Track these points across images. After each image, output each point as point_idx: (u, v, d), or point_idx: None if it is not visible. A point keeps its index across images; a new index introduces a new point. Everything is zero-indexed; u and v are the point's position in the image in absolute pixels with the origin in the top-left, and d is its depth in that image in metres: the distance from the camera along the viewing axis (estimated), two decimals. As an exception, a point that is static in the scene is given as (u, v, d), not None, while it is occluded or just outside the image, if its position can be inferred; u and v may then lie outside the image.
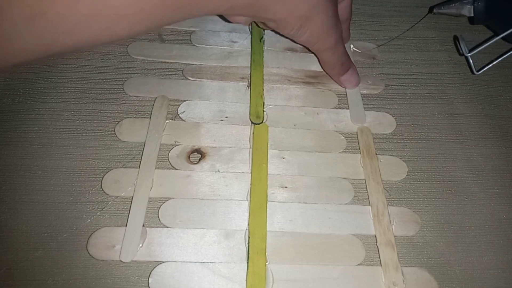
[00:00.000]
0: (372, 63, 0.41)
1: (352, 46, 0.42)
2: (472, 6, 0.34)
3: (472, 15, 0.34)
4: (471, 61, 0.34)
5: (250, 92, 0.38)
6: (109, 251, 0.29)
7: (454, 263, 0.31)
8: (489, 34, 0.41)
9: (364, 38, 0.43)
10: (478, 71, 0.36)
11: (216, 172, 0.33)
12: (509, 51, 0.36)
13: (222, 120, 0.36)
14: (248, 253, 0.30)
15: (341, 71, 0.37)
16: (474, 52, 0.32)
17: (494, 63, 0.36)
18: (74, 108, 0.36)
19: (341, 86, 0.39)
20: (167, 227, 0.31)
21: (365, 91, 0.39)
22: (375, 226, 0.32)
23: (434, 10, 0.37)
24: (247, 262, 0.30)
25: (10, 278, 0.28)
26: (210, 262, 0.30)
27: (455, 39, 0.34)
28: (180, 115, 0.36)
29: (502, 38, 0.34)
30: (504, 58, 0.36)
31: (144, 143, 0.34)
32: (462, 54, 0.33)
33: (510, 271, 0.31)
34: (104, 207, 0.31)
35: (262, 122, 0.36)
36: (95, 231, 0.30)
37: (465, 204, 0.34)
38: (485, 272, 0.31)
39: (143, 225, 0.30)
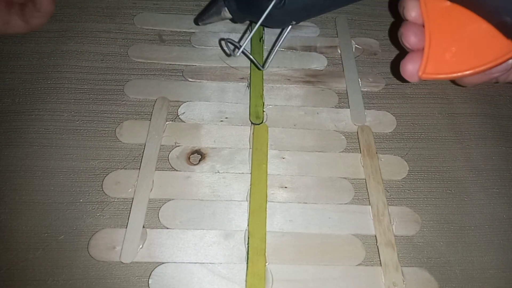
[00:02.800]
0: (373, 62, 0.41)
1: (353, 42, 0.42)
2: (223, 9, 0.33)
3: (231, 16, 0.33)
4: (250, 56, 0.32)
5: (250, 92, 0.38)
6: (109, 252, 0.29)
7: (454, 263, 0.31)
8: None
9: (364, 38, 0.43)
10: (262, 66, 0.34)
11: (216, 173, 0.33)
12: (278, 38, 0.33)
13: (222, 121, 0.36)
14: (247, 253, 0.30)
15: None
16: (238, 53, 0.31)
17: (273, 54, 0.33)
18: (74, 109, 0.36)
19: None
20: (167, 228, 0.31)
21: (366, 89, 0.39)
22: (375, 226, 0.32)
23: (199, 23, 0.35)
24: (247, 263, 0.30)
25: (10, 278, 0.28)
26: (210, 263, 0.30)
27: (219, 43, 0.33)
28: (180, 116, 0.36)
29: (262, 25, 0.32)
30: (280, 44, 0.33)
31: (144, 144, 0.34)
32: (230, 55, 0.32)
33: (510, 271, 0.31)
34: (104, 208, 0.31)
35: (262, 122, 0.36)
36: (95, 233, 0.30)
37: (465, 204, 0.34)
38: (485, 272, 0.31)
39: (143, 226, 0.30)
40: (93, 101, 0.36)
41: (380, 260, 0.31)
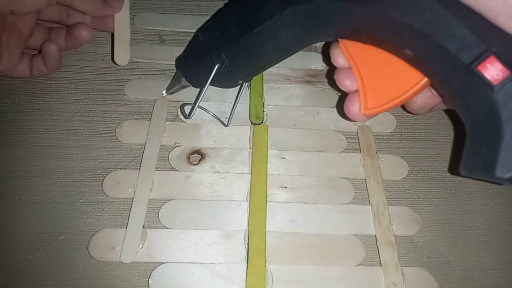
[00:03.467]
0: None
1: None
2: (181, 78, 0.35)
3: (189, 84, 0.35)
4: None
5: (250, 92, 0.38)
6: (109, 252, 0.29)
7: (454, 263, 0.31)
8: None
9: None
10: (227, 124, 0.36)
11: (216, 173, 0.33)
12: (236, 97, 0.36)
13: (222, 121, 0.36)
14: (247, 253, 0.30)
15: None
16: (193, 114, 0.33)
17: (233, 111, 0.35)
18: (74, 109, 0.36)
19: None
20: (167, 228, 0.31)
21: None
22: (375, 226, 0.32)
23: (167, 93, 0.37)
24: (247, 263, 0.30)
25: (10, 278, 0.29)
26: (210, 263, 0.30)
27: (180, 109, 0.35)
28: (180, 116, 0.36)
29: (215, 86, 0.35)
30: (238, 101, 0.36)
31: (145, 144, 0.34)
32: (187, 118, 0.34)
33: (510, 271, 0.31)
34: (104, 208, 0.31)
35: (262, 122, 0.36)
36: (95, 233, 0.30)
37: (465, 204, 0.34)
38: (485, 272, 0.31)
39: (143, 226, 0.30)
40: (93, 101, 0.36)
41: (380, 260, 0.31)
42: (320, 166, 0.34)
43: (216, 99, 0.37)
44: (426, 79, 0.25)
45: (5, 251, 0.29)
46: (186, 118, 0.34)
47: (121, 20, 0.37)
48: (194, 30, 0.41)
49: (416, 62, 0.25)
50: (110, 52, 0.39)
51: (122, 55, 0.36)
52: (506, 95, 0.21)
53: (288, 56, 0.31)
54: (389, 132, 0.37)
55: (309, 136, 0.36)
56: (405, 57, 0.25)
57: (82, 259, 0.29)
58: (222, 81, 0.34)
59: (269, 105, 0.37)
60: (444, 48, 0.22)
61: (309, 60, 0.40)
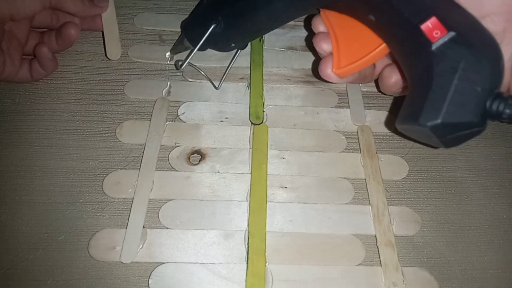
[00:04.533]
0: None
1: None
2: (184, 39, 0.37)
3: (191, 46, 0.37)
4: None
5: (250, 92, 0.38)
6: (109, 252, 0.29)
7: (454, 263, 0.31)
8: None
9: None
10: (218, 87, 0.38)
11: (216, 173, 0.33)
12: (233, 59, 0.39)
13: (222, 121, 0.36)
14: (247, 253, 0.30)
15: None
16: (183, 67, 0.36)
17: (225, 75, 0.38)
18: (74, 109, 0.36)
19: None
20: (167, 228, 0.31)
21: (366, 89, 0.39)
22: (375, 226, 0.32)
23: (172, 54, 0.39)
24: (247, 263, 0.30)
25: (10, 278, 0.29)
26: (210, 263, 0.30)
27: (175, 64, 0.38)
28: (180, 116, 0.36)
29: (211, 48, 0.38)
30: (231, 66, 0.38)
31: (145, 144, 0.34)
32: (178, 69, 0.37)
33: (510, 271, 0.31)
34: (104, 208, 0.31)
35: (262, 122, 0.36)
36: (96, 233, 0.30)
37: (465, 204, 0.34)
38: (485, 272, 0.31)
39: (143, 226, 0.30)
40: (93, 101, 0.36)
41: (380, 260, 0.31)
42: (320, 166, 0.34)
43: (216, 99, 0.37)
44: (379, 47, 0.29)
45: (5, 251, 0.29)
46: (177, 69, 0.37)
47: (109, 18, 0.38)
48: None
49: (377, 26, 0.28)
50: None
51: (114, 50, 0.38)
52: (441, 52, 0.23)
53: (277, 26, 0.35)
54: (389, 132, 0.37)
55: (309, 136, 0.36)
56: (369, 23, 0.28)
57: (82, 259, 0.29)
58: (217, 43, 0.37)
59: (269, 105, 0.37)
60: (400, 12, 0.25)
61: (309, 60, 0.40)
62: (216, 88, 0.37)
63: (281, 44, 0.41)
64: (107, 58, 0.38)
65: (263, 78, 0.39)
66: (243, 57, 0.40)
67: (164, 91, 0.37)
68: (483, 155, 0.37)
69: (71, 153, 0.34)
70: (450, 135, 0.24)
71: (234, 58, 0.38)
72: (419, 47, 0.24)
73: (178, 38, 0.39)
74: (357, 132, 0.37)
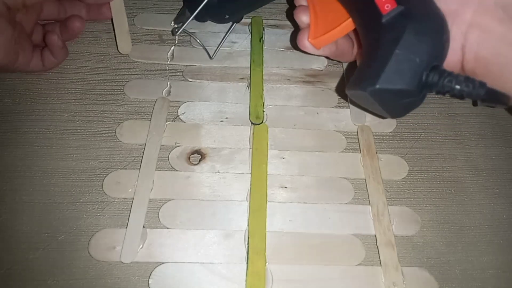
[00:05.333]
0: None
1: None
2: (186, 10, 0.39)
3: (190, 15, 0.38)
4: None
5: (250, 92, 0.38)
6: (109, 252, 0.29)
7: (454, 263, 0.31)
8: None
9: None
10: (212, 56, 0.39)
11: (216, 173, 0.33)
12: (228, 31, 0.41)
13: (222, 121, 0.36)
14: (247, 253, 0.30)
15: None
16: (178, 33, 0.39)
17: (219, 46, 0.40)
18: (75, 109, 0.36)
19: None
20: (167, 228, 0.31)
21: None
22: (375, 226, 0.32)
23: (174, 22, 0.41)
24: (247, 263, 0.30)
25: (10, 278, 0.29)
26: (210, 263, 0.30)
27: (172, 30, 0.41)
28: (180, 116, 0.36)
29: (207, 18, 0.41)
30: (225, 38, 0.40)
31: (145, 144, 0.34)
32: (173, 35, 0.40)
33: (510, 271, 0.31)
34: (105, 208, 0.31)
35: (262, 122, 0.36)
36: (96, 233, 0.30)
37: (465, 204, 0.34)
38: (485, 272, 0.31)
39: (144, 226, 0.30)
40: (93, 101, 0.36)
41: (380, 260, 0.31)
42: (320, 166, 0.34)
43: (216, 99, 0.37)
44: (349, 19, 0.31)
45: (5, 251, 0.29)
46: (173, 35, 0.40)
47: (117, 10, 0.39)
48: (194, 31, 0.41)
49: (345, 2, 0.30)
50: (110, 52, 0.39)
51: (125, 44, 0.38)
52: (390, 24, 0.25)
53: (270, 1, 0.40)
54: (389, 132, 0.37)
55: (309, 136, 0.36)
56: None
57: (82, 259, 0.29)
58: (212, 13, 0.39)
59: (269, 105, 0.37)
60: None
61: (309, 60, 0.40)
62: (210, 57, 0.39)
63: (281, 44, 0.41)
64: (119, 52, 0.38)
65: (263, 78, 0.39)
66: (243, 57, 0.40)
67: (164, 91, 0.37)
68: (483, 155, 0.36)
69: (71, 153, 0.34)
70: (390, 103, 0.26)
71: (229, 31, 0.40)
72: (373, 19, 0.26)
73: (181, 9, 0.41)
74: (357, 132, 0.37)
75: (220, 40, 0.40)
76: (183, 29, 0.38)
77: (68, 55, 0.38)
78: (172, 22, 0.41)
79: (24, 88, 0.36)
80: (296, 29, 0.41)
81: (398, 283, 0.30)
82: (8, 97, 0.36)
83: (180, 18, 0.40)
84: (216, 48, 0.39)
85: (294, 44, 0.40)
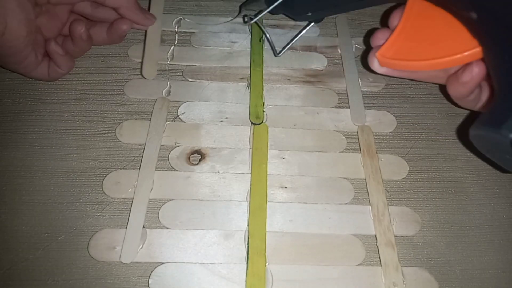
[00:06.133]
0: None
1: (353, 42, 0.42)
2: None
3: (266, 5, 0.37)
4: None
5: (250, 92, 0.38)
6: (109, 252, 0.29)
7: (454, 263, 0.31)
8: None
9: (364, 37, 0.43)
10: (279, 54, 0.39)
11: (216, 173, 0.33)
12: (303, 29, 0.39)
13: (222, 121, 0.36)
14: (247, 253, 0.30)
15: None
16: (252, 22, 0.37)
17: (289, 45, 0.39)
18: (74, 109, 0.36)
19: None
20: (167, 228, 0.31)
21: (366, 89, 0.39)
22: (375, 226, 0.32)
23: (243, 8, 0.40)
24: (247, 263, 0.30)
25: (10, 278, 0.29)
26: (210, 263, 0.30)
27: (239, 8, 0.40)
28: (180, 116, 0.36)
29: (270, 12, 0.38)
30: (300, 36, 0.39)
31: (144, 144, 0.34)
32: (246, 22, 0.39)
33: (510, 271, 0.31)
34: (104, 208, 0.31)
35: (262, 122, 0.36)
36: (95, 233, 0.30)
37: (465, 204, 0.34)
38: (485, 272, 0.31)
39: (143, 226, 0.30)
40: (93, 101, 0.36)
41: (380, 260, 0.31)
42: (320, 166, 0.34)
43: (216, 99, 0.37)
44: (470, 51, 0.25)
45: (5, 251, 0.29)
46: (244, 23, 0.40)
47: (152, 38, 0.39)
48: (194, 30, 0.41)
49: (477, 25, 0.24)
50: (110, 52, 0.39)
51: (150, 70, 0.38)
52: None
53: (363, 6, 0.37)
54: (389, 132, 0.37)
55: (309, 136, 0.36)
56: (467, 21, 0.25)
57: (82, 259, 0.29)
58: (293, 8, 0.37)
59: (269, 105, 0.37)
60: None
61: (309, 60, 0.40)
62: (275, 55, 0.38)
63: (281, 44, 0.41)
64: (142, 75, 0.37)
65: (263, 78, 0.39)
66: (243, 57, 0.40)
67: (164, 91, 0.37)
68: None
69: (71, 153, 0.34)
70: None
71: (304, 29, 0.39)
72: None
73: None
74: (357, 132, 0.37)
75: (292, 38, 0.39)
76: (256, 20, 0.37)
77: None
78: (243, 8, 0.39)
79: (24, 88, 0.36)
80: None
81: (398, 283, 0.30)
82: (8, 97, 0.36)
83: (251, 5, 0.38)
84: (285, 46, 0.39)
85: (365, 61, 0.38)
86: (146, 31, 0.39)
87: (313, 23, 0.39)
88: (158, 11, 0.40)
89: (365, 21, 0.44)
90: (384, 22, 0.37)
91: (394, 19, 0.30)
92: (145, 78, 0.37)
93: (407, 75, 0.30)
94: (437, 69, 0.28)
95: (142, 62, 0.38)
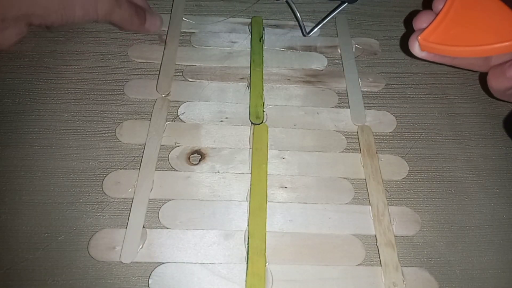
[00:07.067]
0: (373, 62, 0.41)
1: (353, 42, 0.42)
2: None
3: None
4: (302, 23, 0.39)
5: (250, 92, 0.38)
6: (109, 252, 0.29)
7: (454, 263, 0.31)
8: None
9: (364, 37, 0.43)
10: (308, 33, 0.40)
11: (216, 173, 0.33)
12: (334, 10, 0.41)
13: (222, 121, 0.36)
14: (247, 253, 0.30)
15: (140, 21, 0.38)
16: None
17: (320, 25, 0.41)
18: (74, 109, 0.36)
19: (149, 33, 0.40)
20: (167, 228, 0.31)
21: (366, 89, 0.39)
22: (375, 226, 0.32)
23: None
24: (247, 263, 0.30)
25: (10, 278, 0.29)
26: (210, 263, 0.30)
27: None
28: (180, 116, 0.36)
29: None
30: (332, 17, 0.41)
31: (144, 144, 0.34)
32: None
33: (510, 271, 0.31)
34: (104, 208, 0.31)
35: (262, 122, 0.36)
36: (95, 233, 0.30)
37: (465, 204, 0.34)
38: (485, 272, 0.31)
39: (143, 226, 0.30)
40: (93, 101, 0.36)
41: (380, 260, 0.31)
42: (320, 166, 0.34)
43: (216, 99, 0.37)
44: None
45: (5, 251, 0.29)
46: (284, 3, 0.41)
47: (169, 55, 0.39)
48: (194, 30, 0.41)
49: None
50: (110, 52, 0.39)
51: (165, 86, 0.37)
52: None
53: None
54: (389, 132, 0.37)
55: (309, 136, 0.36)
56: None
57: (82, 259, 0.29)
58: None
59: (269, 105, 0.37)
60: None
61: (309, 60, 0.40)
62: (304, 34, 0.39)
63: (281, 44, 0.41)
64: (156, 91, 0.37)
65: (263, 78, 0.39)
66: (243, 57, 0.40)
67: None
68: (483, 155, 0.36)
69: (71, 153, 0.34)
70: None
71: (337, 9, 0.41)
72: None
73: None
74: (357, 132, 0.37)
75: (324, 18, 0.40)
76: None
77: (71, 53, 0.37)
78: None
79: (24, 88, 0.36)
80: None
81: (398, 283, 0.30)
82: (8, 97, 0.36)
83: None
84: (315, 25, 0.40)
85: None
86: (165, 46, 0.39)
87: (346, 3, 0.40)
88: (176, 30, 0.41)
89: (365, 21, 0.44)
90: (427, 4, 0.36)
91: (439, 2, 0.29)
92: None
93: (447, 61, 0.29)
94: (482, 56, 0.27)
95: (157, 79, 0.38)
